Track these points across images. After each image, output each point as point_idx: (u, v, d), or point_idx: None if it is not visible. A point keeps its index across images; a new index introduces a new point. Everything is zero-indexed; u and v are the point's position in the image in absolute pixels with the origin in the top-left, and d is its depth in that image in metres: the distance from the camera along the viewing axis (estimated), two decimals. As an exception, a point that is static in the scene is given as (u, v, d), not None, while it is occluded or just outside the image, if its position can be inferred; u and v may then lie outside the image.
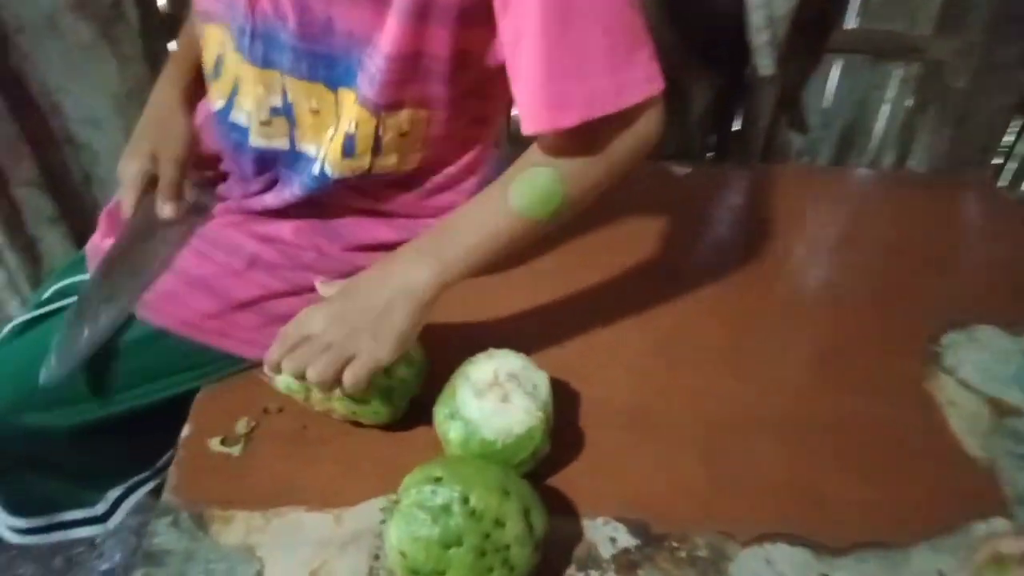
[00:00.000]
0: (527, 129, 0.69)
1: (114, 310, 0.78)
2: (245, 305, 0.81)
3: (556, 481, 0.73)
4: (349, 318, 0.67)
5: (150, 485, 0.88)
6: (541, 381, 0.72)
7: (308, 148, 0.80)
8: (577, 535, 0.69)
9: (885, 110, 1.76)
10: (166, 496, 0.69)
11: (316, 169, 0.78)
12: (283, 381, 0.73)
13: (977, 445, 0.79)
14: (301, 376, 0.66)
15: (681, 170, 1.22)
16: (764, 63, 1.41)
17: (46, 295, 0.86)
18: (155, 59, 1.24)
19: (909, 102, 1.70)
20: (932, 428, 0.82)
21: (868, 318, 0.96)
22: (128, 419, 0.79)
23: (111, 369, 0.78)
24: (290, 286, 0.82)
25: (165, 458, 0.89)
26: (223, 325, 0.80)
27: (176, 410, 0.78)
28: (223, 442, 0.74)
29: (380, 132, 0.75)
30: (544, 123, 0.67)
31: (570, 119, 0.66)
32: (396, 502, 0.61)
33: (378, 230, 0.85)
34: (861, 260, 1.07)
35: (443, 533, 0.58)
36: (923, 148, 1.67)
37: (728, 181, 1.25)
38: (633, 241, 1.05)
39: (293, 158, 0.81)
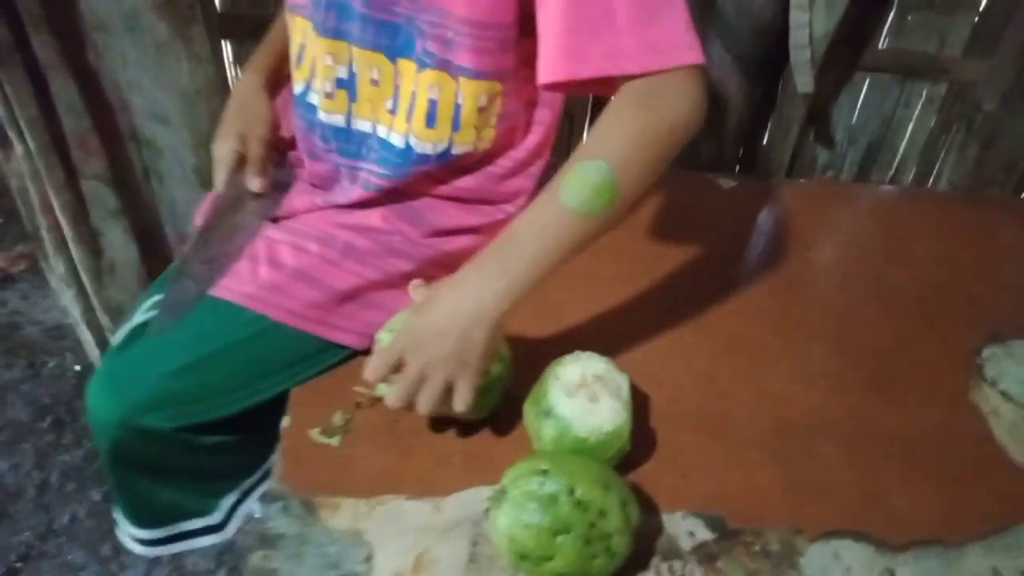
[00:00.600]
0: (544, 78, 0.70)
1: (213, 269, 0.84)
2: (346, 295, 0.85)
3: (635, 477, 0.78)
4: (432, 347, 0.68)
5: (261, 490, 0.92)
6: (623, 383, 0.77)
7: (362, 124, 0.85)
8: (658, 528, 0.74)
9: (909, 128, 1.82)
10: (275, 484, 0.74)
11: (401, 143, 0.83)
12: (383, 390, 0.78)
13: (1020, 453, 0.85)
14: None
15: (727, 183, 1.27)
16: (803, 80, 1.46)
17: (151, 301, 0.90)
18: (220, 60, 1.28)
19: (933, 121, 1.75)
20: (980, 436, 0.87)
21: (915, 329, 1.01)
22: (235, 422, 0.82)
23: (220, 369, 0.82)
24: (382, 275, 0.87)
25: (271, 460, 0.92)
26: (326, 315, 0.85)
27: (277, 413, 0.82)
28: (323, 433, 0.79)
29: (459, 100, 0.81)
30: (561, 73, 0.68)
31: (587, 70, 0.67)
32: (503, 492, 0.66)
33: (459, 215, 0.91)
34: (904, 274, 1.12)
35: (553, 521, 0.62)
36: (948, 167, 1.72)
37: (773, 194, 1.29)
38: (686, 251, 1.10)
39: (359, 137, 0.86)
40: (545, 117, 0.91)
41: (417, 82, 0.81)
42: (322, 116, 0.86)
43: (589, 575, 0.64)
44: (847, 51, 1.58)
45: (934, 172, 1.76)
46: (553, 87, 0.72)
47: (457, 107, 0.82)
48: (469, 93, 0.81)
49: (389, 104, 0.84)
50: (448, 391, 0.71)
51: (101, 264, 1.37)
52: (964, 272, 1.13)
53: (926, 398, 0.91)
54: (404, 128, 0.84)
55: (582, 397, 0.74)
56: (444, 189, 0.90)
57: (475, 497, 0.74)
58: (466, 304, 0.69)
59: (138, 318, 0.88)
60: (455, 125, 0.83)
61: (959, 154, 1.70)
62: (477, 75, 0.80)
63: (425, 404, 0.70)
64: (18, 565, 1.33)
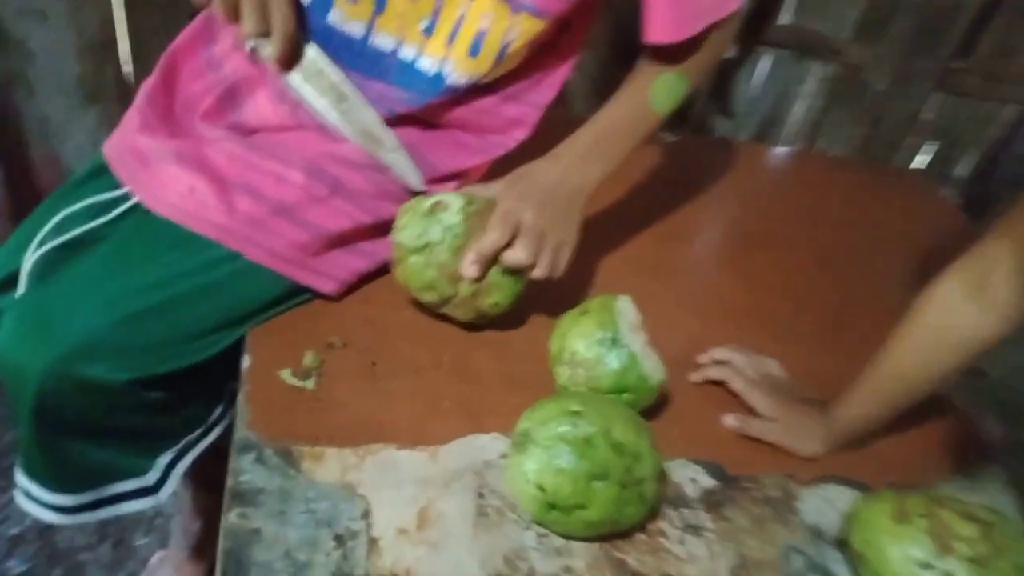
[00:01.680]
0: (666, 38, 0.76)
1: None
2: (332, 237, 0.75)
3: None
4: (547, 211, 0.73)
5: (200, 447, 0.78)
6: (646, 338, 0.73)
7: (382, 41, 0.75)
8: (664, 474, 0.70)
9: (803, 105, 1.91)
10: (243, 432, 0.63)
11: (431, 69, 0.75)
12: (421, 276, 0.72)
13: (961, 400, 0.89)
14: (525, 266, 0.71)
15: (671, 137, 1.26)
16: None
17: (58, 218, 0.74)
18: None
19: (824, 99, 1.84)
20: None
21: (855, 283, 1.04)
22: (187, 372, 0.70)
23: (183, 313, 0.69)
24: (374, 219, 0.77)
25: (216, 414, 0.80)
26: (308, 257, 0.74)
27: (226, 362, 0.71)
28: (295, 374, 0.68)
29: (511, 36, 0.74)
30: (684, 31, 0.76)
31: (701, 24, 0.76)
32: (526, 436, 0.59)
33: (459, 154, 0.83)
34: (820, 234, 1.16)
35: (590, 466, 0.57)
36: (834, 143, 1.82)
37: (707, 151, 1.30)
38: (635, 206, 1.08)
39: (372, 56, 0.76)
40: (571, 55, 0.86)
41: (468, 7, 0.73)
42: (334, 20, 0.74)
43: (619, 523, 0.60)
44: (751, 24, 1.61)
45: (823, 149, 1.85)
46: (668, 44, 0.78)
47: (507, 43, 0.75)
48: (524, 31, 0.74)
49: (424, 24, 0.74)
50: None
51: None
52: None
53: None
54: (440, 53, 0.75)
55: (641, 339, 0.70)
56: (451, 118, 0.82)
57: (473, 445, 0.67)
58: (571, 177, 0.77)
59: (46, 243, 0.73)
60: (499, 59, 0.76)
61: (847, 132, 1.80)
62: (539, 14, 0.74)
63: (551, 262, 0.73)
64: None
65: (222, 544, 0.56)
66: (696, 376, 0.81)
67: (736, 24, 0.83)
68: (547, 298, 0.81)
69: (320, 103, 0.75)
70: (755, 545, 0.66)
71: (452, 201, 0.73)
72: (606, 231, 0.99)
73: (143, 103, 0.78)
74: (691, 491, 0.70)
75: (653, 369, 0.69)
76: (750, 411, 0.77)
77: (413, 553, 0.58)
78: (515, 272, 0.73)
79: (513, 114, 0.85)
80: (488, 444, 0.68)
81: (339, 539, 0.57)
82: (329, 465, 0.62)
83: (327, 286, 0.76)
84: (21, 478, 0.72)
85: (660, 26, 0.76)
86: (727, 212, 1.15)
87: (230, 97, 0.78)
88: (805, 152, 1.73)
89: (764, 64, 1.78)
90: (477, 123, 0.83)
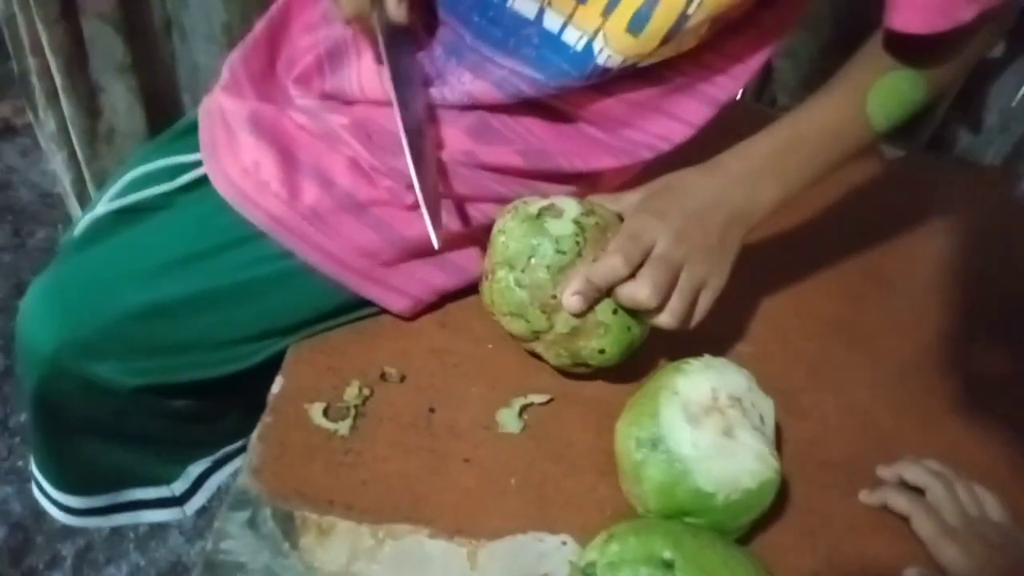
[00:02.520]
0: (916, 26, 0.55)
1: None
2: (413, 246, 0.60)
3: (755, 548, 0.54)
4: (692, 239, 0.55)
5: (240, 461, 0.68)
6: (768, 411, 0.52)
7: (525, 5, 0.58)
8: (792, 640, 0.50)
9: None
10: (244, 480, 0.50)
11: (579, 43, 0.57)
12: (510, 297, 0.56)
13: None
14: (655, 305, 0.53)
15: (892, 152, 0.99)
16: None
17: (134, 174, 0.65)
18: None
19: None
20: None
21: None
22: (217, 382, 0.59)
23: (211, 315, 0.58)
24: (468, 226, 0.62)
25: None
26: (379, 268, 0.60)
27: (272, 366, 0.59)
28: (326, 412, 0.55)
29: (690, 10, 0.54)
30: (944, 20, 0.54)
31: (970, 13, 0.53)
32: (589, 575, 0.42)
33: (592, 156, 0.64)
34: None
35: (667, 649, 0.39)
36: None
37: (940, 174, 1.01)
38: (841, 233, 0.83)
39: (512, 22, 0.59)
40: (773, 39, 0.64)
41: None
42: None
43: None
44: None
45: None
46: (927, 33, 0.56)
47: (683, 17, 0.54)
48: (710, 3, 0.54)
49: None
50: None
51: (98, 127, 1.13)
52: None
53: None
54: (593, 24, 0.56)
55: (711, 428, 0.49)
56: (591, 109, 0.64)
57: (531, 549, 0.51)
58: (737, 202, 0.58)
59: (112, 201, 0.64)
60: (668, 38, 0.56)
61: None
62: None
63: (684, 308, 0.55)
64: (-41, 459, 1.14)
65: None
66: (870, 498, 0.58)
67: (1012, 18, 0.61)
68: (684, 347, 0.60)
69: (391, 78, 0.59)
70: None
71: (568, 207, 0.56)
72: (779, 266, 0.77)
73: (236, 59, 0.67)
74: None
75: (739, 472, 0.48)
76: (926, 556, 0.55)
77: None
78: (633, 313, 0.55)
79: (676, 110, 0.65)
80: (552, 551, 0.51)
81: (320, 655, 0.44)
82: (335, 545, 0.48)
83: (397, 304, 0.61)
84: (33, 467, 0.65)
85: (909, 7, 0.54)
86: (961, 261, 0.87)
87: (333, 57, 0.64)
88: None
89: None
90: (622, 118, 0.64)
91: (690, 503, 0.47)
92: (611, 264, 0.52)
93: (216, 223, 0.60)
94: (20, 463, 1.16)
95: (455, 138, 0.61)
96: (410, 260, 0.61)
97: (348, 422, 0.54)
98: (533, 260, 0.54)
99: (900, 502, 0.57)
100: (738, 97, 0.67)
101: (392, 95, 0.57)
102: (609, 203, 0.59)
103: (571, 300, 0.53)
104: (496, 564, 0.49)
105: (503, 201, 0.62)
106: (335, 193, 0.59)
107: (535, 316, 0.55)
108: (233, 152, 0.62)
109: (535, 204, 0.57)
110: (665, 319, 0.54)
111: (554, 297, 0.54)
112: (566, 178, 0.65)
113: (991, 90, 1.39)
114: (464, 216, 0.62)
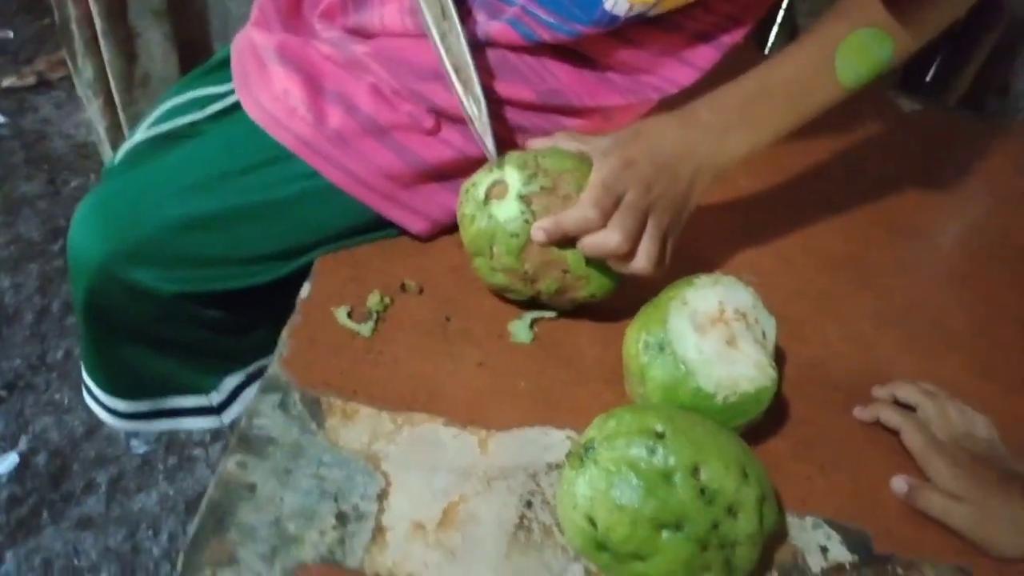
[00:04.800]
0: None
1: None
2: (432, 170, 0.63)
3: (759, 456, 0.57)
4: (660, 187, 0.57)
5: None
6: (771, 328, 0.55)
7: None
8: (781, 532, 0.53)
9: None
10: (275, 368, 0.54)
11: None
12: (492, 280, 0.59)
13: None
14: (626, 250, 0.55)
15: (910, 106, 1.00)
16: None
17: (169, 105, 0.69)
18: None
19: None
20: None
21: None
22: (251, 293, 0.63)
23: (244, 229, 0.62)
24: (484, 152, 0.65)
25: None
26: (399, 189, 0.63)
27: (299, 285, 0.63)
28: (350, 315, 0.59)
29: None
30: None
31: None
32: (588, 448, 0.45)
33: (602, 93, 0.67)
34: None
35: (659, 509, 0.42)
36: None
37: (959, 128, 1.02)
38: (855, 180, 0.86)
39: None
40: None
41: None
42: None
43: (691, 591, 0.44)
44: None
45: None
46: None
47: None
48: None
49: None
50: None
51: (134, 71, 1.17)
52: None
53: None
54: None
55: (716, 337, 0.52)
56: (605, 55, 0.66)
57: (536, 440, 0.54)
58: (704, 150, 0.59)
59: (150, 129, 0.68)
60: None
61: None
62: None
63: (652, 256, 0.56)
64: (2, 393, 1.20)
65: (210, 492, 0.48)
66: (863, 414, 0.61)
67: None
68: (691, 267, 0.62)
69: (428, 14, 0.62)
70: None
71: (511, 179, 0.57)
72: (790, 205, 0.79)
73: (260, 4, 0.71)
74: (815, 563, 0.52)
75: (739, 377, 0.51)
76: (917, 471, 0.57)
77: (422, 556, 0.47)
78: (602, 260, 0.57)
79: (689, 56, 0.67)
80: (557, 443, 0.54)
81: (342, 518, 0.48)
82: (358, 427, 0.52)
83: (417, 224, 0.65)
84: (84, 373, 0.70)
85: None
86: (970, 210, 0.90)
87: None
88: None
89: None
90: (640, 64, 0.67)
91: (690, 401, 0.51)
92: (585, 216, 0.54)
93: (247, 145, 0.63)
94: (57, 396, 1.21)
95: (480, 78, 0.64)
96: (429, 183, 0.64)
97: (370, 325, 0.58)
98: (495, 249, 0.57)
99: (892, 416, 0.60)
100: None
101: (431, 29, 0.60)
102: (580, 143, 0.60)
103: (537, 233, 0.55)
104: (505, 452, 0.53)
105: (519, 129, 0.66)
106: (358, 117, 0.62)
107: (521, 288, 0.59)
108: (264, 81, 0.65)
109: (483, 182, 0.58)
110: (642, 264, 0.56)
111: (527, 271, 0.57)
112: (576, 112, 0.68)
113: (1019, 54, 1.39)
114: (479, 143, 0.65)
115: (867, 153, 0.91)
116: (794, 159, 0.86)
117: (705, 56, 0.67)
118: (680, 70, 0.68)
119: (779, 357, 0.64)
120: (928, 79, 1.38)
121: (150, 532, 1.08)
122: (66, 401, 1.20)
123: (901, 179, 0.89)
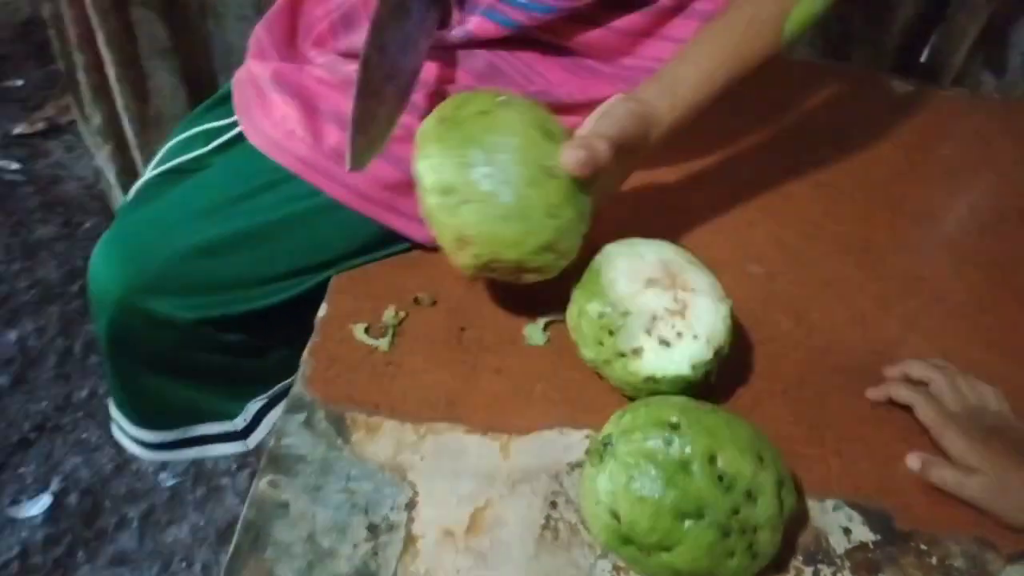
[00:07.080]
0: None
1: (400, 88, 0.62)
2: None
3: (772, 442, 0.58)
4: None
5: None
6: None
7: None
8: (802, 517, 0.54)
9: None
10: (299, 388, 0.56)
11: None
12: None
13: None
14: None
15: (904, 87, 1.01)
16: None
17: (174, 142, 0.72)
18: None
19: None
20: None
21: None
22: (268, 315, 0.65)
23: (256, 251, 0.64)
24: None
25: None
26: (397, 198, 0.65)
27: (316, 304, 0.65)
28: (368, 331, 0.60)
29: None
30: None
31: None
32: (607, 444, 0.46)
33: (594, 87, 0.68)
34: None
35: (680, 499, 0.43)
36: None
37: (955, 108, 1.03)
38: (853, 165, 0.87)
39: None
40: None
41: None
42: None
43: (717, 577, 0.45)
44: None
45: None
46: None
47: None
48: None
49: None
50: None
51: (147, 112, 1.20)
52: None
53: None
54: None
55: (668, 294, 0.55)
56: (582, 41, 0.67)
57: (556, 442, 0.55)
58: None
59: (159, 166, 0.70)
60: None
61: None
62: None
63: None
64: (32, 436, 1.22)
65: (245, 512, 0.49)
66: (875, 393, 0.62)
67: None
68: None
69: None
70: (919, 635, 0.48)
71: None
72: (788, 194, 0.81)
73: (261, 27, 0.73)
74: (839, 543, 0.53)
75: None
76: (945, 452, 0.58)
77: (454, 562, 0.48)
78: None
79: (670, 32, 0.68)
80: (577, 444, 0.55)
81: (373, 530, 0.49)
82: (382, 440, 0.54)
83: (419, 233, 0.66)
84: (112, 408, 0.72)
85: None
86: (971, 188, 0.90)
87: (346, 22, 0.70)
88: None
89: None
90: (620, 47, 0.68)
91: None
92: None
93: (251, 170, 0.65)
94: (85, 435, 1.24)
95: (463, 76, 0.66)
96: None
97: (387, 339, 0.60)
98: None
99: (904, 393, 0.60)
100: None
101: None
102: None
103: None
104: (526, 455, 0.54)
105: None
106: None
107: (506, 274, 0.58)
108: (264, 109, 0.67)
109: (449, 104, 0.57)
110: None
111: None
112: (567, 108, 0.69)
113: (1014, 31, 1.40)
114: None
115: (864, 137, 0.92)
116: (791, 148, 0.87)
117: (683, 28, 0.68)
118: (664, 47, 0.68)
119: (789, 345, 0.65)
120: (922, 60, 1.40)
121: (184, 564, 1.10)
122: (94, 439, 1.22)
123: (899, 161, 0.90)
